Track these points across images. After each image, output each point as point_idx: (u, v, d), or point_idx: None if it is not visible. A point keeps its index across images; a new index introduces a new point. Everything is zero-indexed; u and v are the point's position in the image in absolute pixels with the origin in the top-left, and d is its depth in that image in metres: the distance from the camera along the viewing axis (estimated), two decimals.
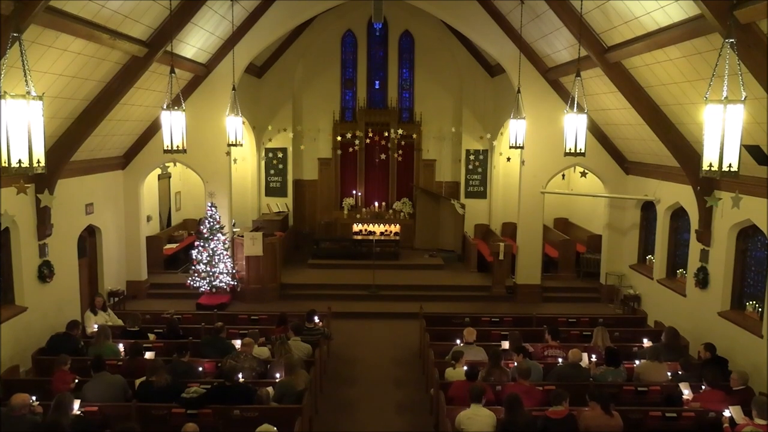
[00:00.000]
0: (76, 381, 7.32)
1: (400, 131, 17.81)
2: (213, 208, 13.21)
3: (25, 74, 4.73)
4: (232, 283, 13.26)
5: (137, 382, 7.23)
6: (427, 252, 16.77)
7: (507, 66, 13.40)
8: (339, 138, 17.97)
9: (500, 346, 8.89)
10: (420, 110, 18.31)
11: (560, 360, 8.27)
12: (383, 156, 18.23)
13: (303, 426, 6.79)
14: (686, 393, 7.31)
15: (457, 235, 17.05)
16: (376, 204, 18.37)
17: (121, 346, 8.78)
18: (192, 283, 13.10)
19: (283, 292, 13.91)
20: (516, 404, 6.16)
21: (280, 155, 18.11)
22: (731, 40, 5.25)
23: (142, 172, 13.57)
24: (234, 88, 11.51)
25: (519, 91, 11.39)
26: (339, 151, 18.07)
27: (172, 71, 8.60)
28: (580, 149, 8.23)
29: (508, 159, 16.13)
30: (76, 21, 7.93)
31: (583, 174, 13.86)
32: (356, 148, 18.01)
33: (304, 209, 18.73)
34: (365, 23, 18.14)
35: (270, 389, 7.33)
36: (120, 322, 10.25)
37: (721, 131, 4.93)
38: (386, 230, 17.36)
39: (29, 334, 9.41)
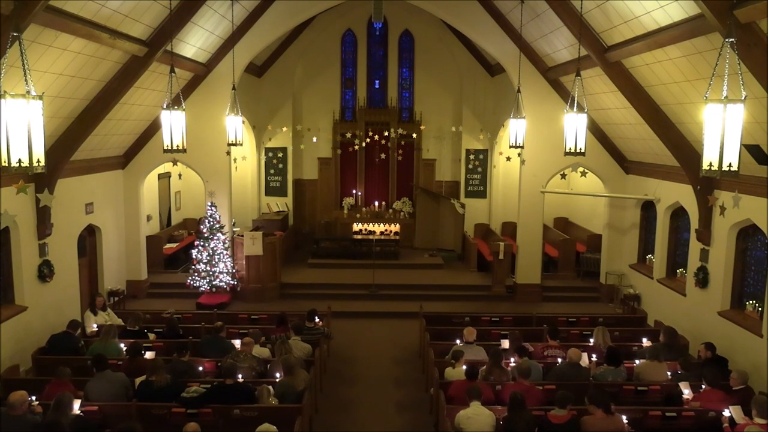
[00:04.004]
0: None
1: (400, 131, 17.81)
2: (213, 208, 13.20)
3: (24, 74, 4.73)
4: (232, 282, 13.26)
5: (137, 381, 7.23)
6: (426, 251, 16.77)
7: (507, 65, 13.40)
8: (339, 137, 17.99)
9: (500, 345, 8.90)
10: (420, 110, 18.30)
11: (560, 360, 8.27)
12: (383, 155, 18.22)
13: (303, 425, 6.80)
14: (686, 392, 7.32)
15: (457, 235, 17.05)
16: (376, 203, 18.37)
17: (122, 346, 8.78)
18: (192, 282, 13.10)
19: (283, 291, 13.91)
20: (519, 404, 6.16)
21: (280, 155, 18.10)
22: (731, 40, 5.25)
23: (142, 171, 13.56)
24: (234, 88, 11.50)
25: (519, 91, 11.39)
26: (339, 151, 18.08)
27: (172, 71, 8.60)
28: (580, 149, 8.24)
29: (508, 158, 16.13)
30: (76, 20, 7.92)
31: (583, 173, 13.85)
32: (356, 147, 18.00)
33: (304, 209, 18.73)
34: (365, 23, 18.13)
35: (270, 387, 7.33)
36: (120, 322, 10.24)
37: (721, 131, 4.93)
38: (386, 230, 17.35)
39: (29, 334, 9.42)
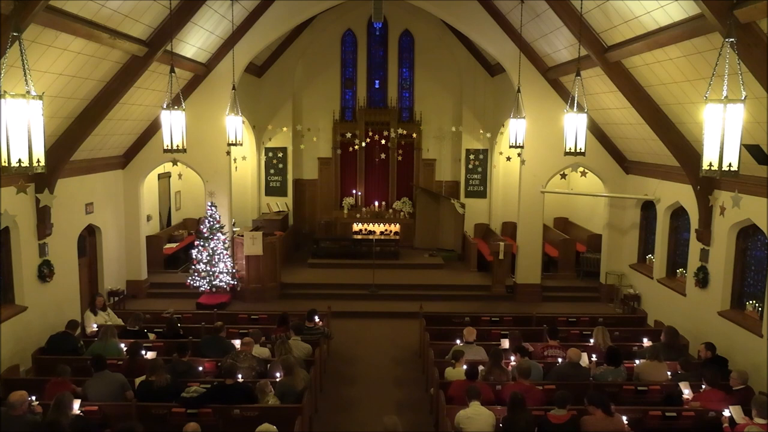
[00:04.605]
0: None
1: (400, 130, 17.82)
2: (213, 208, 13.20)
3: (24, 73, 4.73)
4: (232, 282, 13.26)
5: (137, 381, 7.23)
6: (427, 251, 16.77)
7: (507, 65, 13.40)
8: (339, 137, 17.99)
9: (500, 345, 8.90)
10: (420, 109, 18.31)
11: (560, 360, 8.27)
12: (383, 155, 18.23)
13: (303, 425, 6.80)
14: (686, 392, 7.31)
15: (457, 235, 17.05)
16: (376, 203, 18.37)
17: (122, 346, 8.77)
18: (192, 282, 13.10)
19: (283, 291, 13.91)
20: (519, 404, 6.15)
21: (280, 155, 18.11)
22: (731, 40, 5.25)
23: (142, 171, 13.56)
24: (234, 88, 11.52)
25: (519, 91, 11.39)
26: (339, 151, 18.08)
27: (172, 70, 8.61)
28: (580, 149, 8.24)
29: (508, 158, 16.12)
30: (76, 20, 7.92)
31: (583, 174, 13.85)
32: (356, 147, 18.00)
33: (304, 209, 18.73)
34: (365, 23, 18.13)
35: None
36: (120, 322, 10.24)
37: (721, 130, 4.94)
38: (386, 230, 17.36)
39: (29, 334, 9.42)
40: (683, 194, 10.87)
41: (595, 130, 13.02)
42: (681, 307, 10.88)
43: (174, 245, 15.92)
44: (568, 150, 8.32)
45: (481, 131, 17.36)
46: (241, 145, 12.14)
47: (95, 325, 9.86)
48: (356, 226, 17.35)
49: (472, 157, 17.76)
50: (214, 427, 6.73)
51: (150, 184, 15.07)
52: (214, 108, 13.21)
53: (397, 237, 16.89)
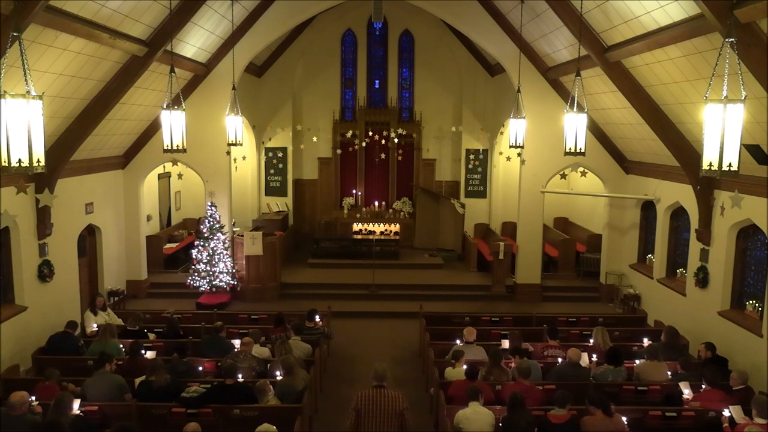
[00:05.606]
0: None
1: (400, 130, 17.81)
2: (213, 208, 13.20)
3: (24, 73, 4.73)
4: (232, 282, 13.26)
5: (137, 381, 7.23)
6: (426, 251, 16.77)
7: (507, 65, 13.40)
8: (339, 137, 18.00)
9: (500, 345, 8.90)
10: (420, 109, 18.31)
11: (560, 359, 8.27)
12: (383, 155, 18.23)
13: (303, 425, 6.80)
14: (686, 392, 7.31)
15: (457, 235, 17.06)
16: (376, 203, 18.37)
17: (121, 346, 8.77)
18: (192, 282, 13.10)
19: (283, 291, 13.91)
20: (519, 403, 6.15)
21: (280, 155, 18.11)
22: (731, 40, 5.25)
23: (142, 171, 13.56)
24: (234, 88, 11.52)
25: (519, 91, 11.40)
26: (339, 151, 18.08)
27: (172, 70, 8.61)
28: (580, 148, 8.25)
29: (508, 158, 16.12)
30: (76, 20, 7.93)
31: (583, 173, 13.85)
32: (356, 147, 18.00)
33: (304, 209, 18.74)
34: (365, 22, 18.14)
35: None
36: (120, 322, 10.24)
37: (721, 130, 4.94)
38: (386, 230, 17.36)
39: (29, 334, 9.42)
40: (683, 194, 10.87)
41: (595, 130, 13.02)
42: (681, 307, 10.88)
43: (174, 245, 15.92)
44: (568, 150, 8.32)
45: (481, 131, 17.36)
46: (241, 145, 12.14)
47: (95, 325, 9.86)
48: (356, 226, 17.35)
49: (472, 157, 17.75)
50: (214, 427, 6.74)
51: (150, 184, 15.07)
52: (214, 108, 13.21)
53: (397, 237, 16.88)
